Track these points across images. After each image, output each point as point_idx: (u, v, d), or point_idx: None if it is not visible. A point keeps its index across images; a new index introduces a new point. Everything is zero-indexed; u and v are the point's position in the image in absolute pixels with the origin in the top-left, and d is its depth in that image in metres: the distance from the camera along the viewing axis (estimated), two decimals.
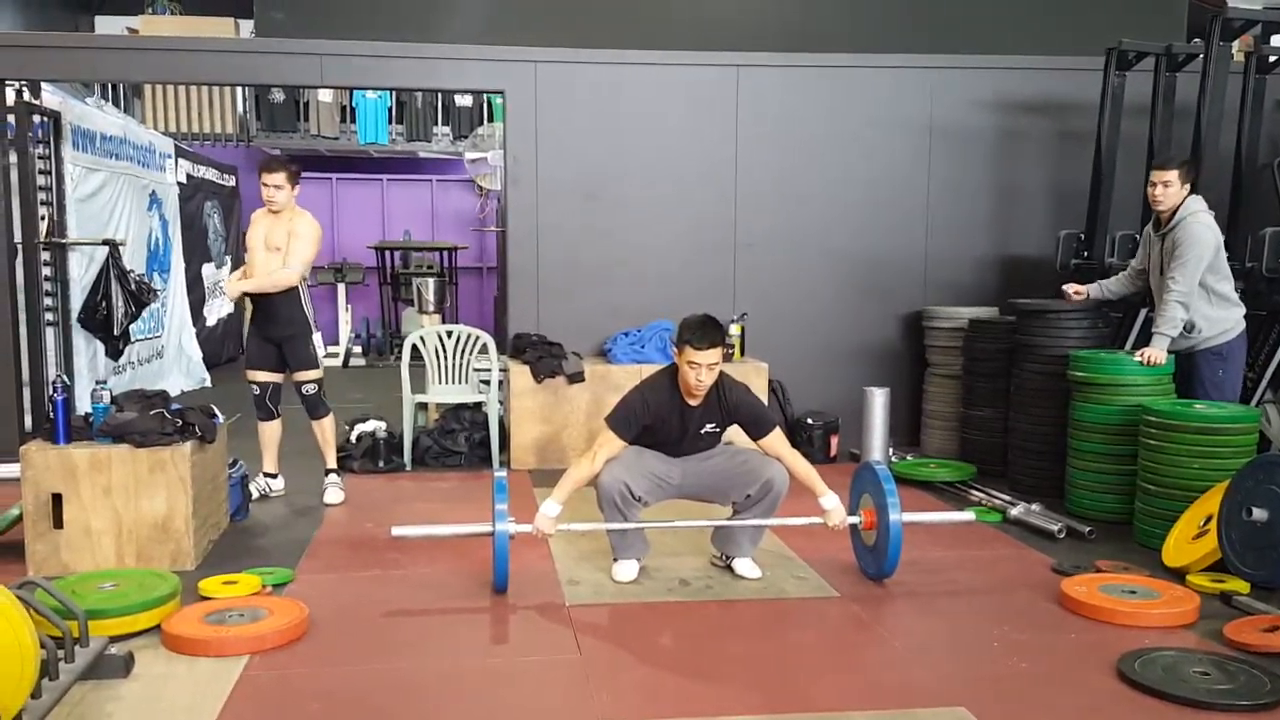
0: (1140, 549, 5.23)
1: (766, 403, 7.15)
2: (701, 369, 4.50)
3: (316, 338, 6.20)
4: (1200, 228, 5.56)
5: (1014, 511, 5.75)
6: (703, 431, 4.72)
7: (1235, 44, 6.96)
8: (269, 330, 6.07)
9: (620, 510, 4.63)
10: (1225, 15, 6.45)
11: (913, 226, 7.84)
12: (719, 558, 4.94)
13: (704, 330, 4.50)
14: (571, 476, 4.66)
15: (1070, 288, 6.19)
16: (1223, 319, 5.68)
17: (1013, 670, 3.76)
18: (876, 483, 4.68)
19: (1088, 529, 5.44)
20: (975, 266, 7.92)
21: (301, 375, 6.10)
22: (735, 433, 4.79)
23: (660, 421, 4.68)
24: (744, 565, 4.82)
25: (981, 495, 6.16)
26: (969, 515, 5.11)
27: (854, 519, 4.79)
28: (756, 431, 4.74)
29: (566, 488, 4.64)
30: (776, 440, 4.75)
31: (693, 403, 4.66)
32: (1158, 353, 5.53)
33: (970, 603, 4.53)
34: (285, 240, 5.99)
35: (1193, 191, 5.72)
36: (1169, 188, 5.63)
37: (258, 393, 6.13)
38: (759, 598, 4.54)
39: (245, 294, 6.13)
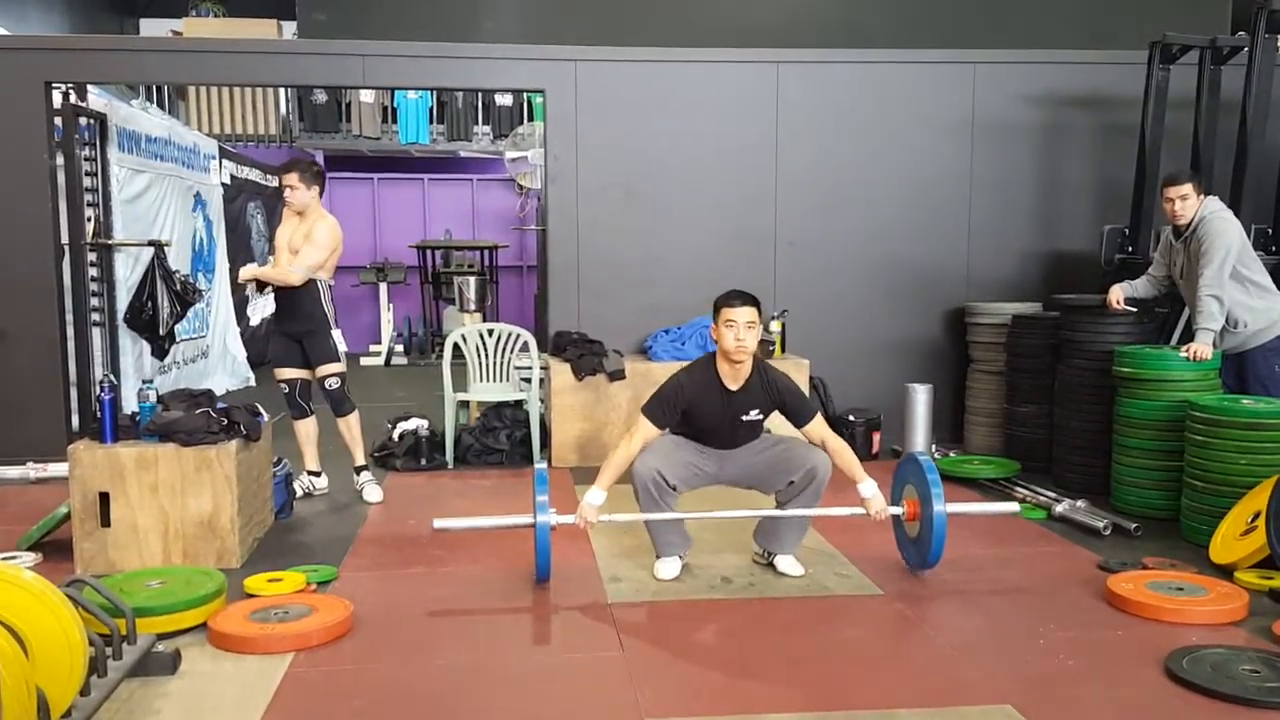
0: (1187, 545, 5.18)
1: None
2: (739, 326, 4.50)
3: (337, 334, 6.21)
4: (1220, 222, 5.60)
5: (1059, 508, 5.70)
6: (744, 419, 4.68)
7: None
8: (290, 326, 6.13)
9: (655, 498, 4.63)
10: (1270, 8, 6.37)
11: (955, 222, 7.79)
12: (761, 555, 4.93)
13: (734, 292, 4.58)
14: (611, 463, 4.65)
15: (1112, 296, 6.13)
16: (1267, 309, 5.64)
17: (1059, 668, 3.73)
18: (920, 473, 4.65)
19: (1134, 526, 5.38)
20: (1018, 262, 7.85)
21: (323, 369, 6.12)
22: (776, 421, 4.78)
23: (699, 406, 4.65)
24: (786, 563, 4.80)
25: (1026, 492, 6.11)
26: (1014, 506, 5.06)
27: (896, 510, 4.76)
28: (800, 418, 4.72)
29: (608, 475, 4.63)
30: (820, 426, 4.73)
31: (733, 386, 4.63)
32: (1203, 348, 5.48)
33: (1016, 600, 4.49)
34: (301, 243, 6.04)
35: (1208, 193, 5.79)
36: (1186, 200, 5.69)
37: (287, 390, 6.17)
38: (802, 595, 4.53)
39: (255, 280, 6.16)
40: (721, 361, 4.63)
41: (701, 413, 4.68)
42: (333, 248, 6.10)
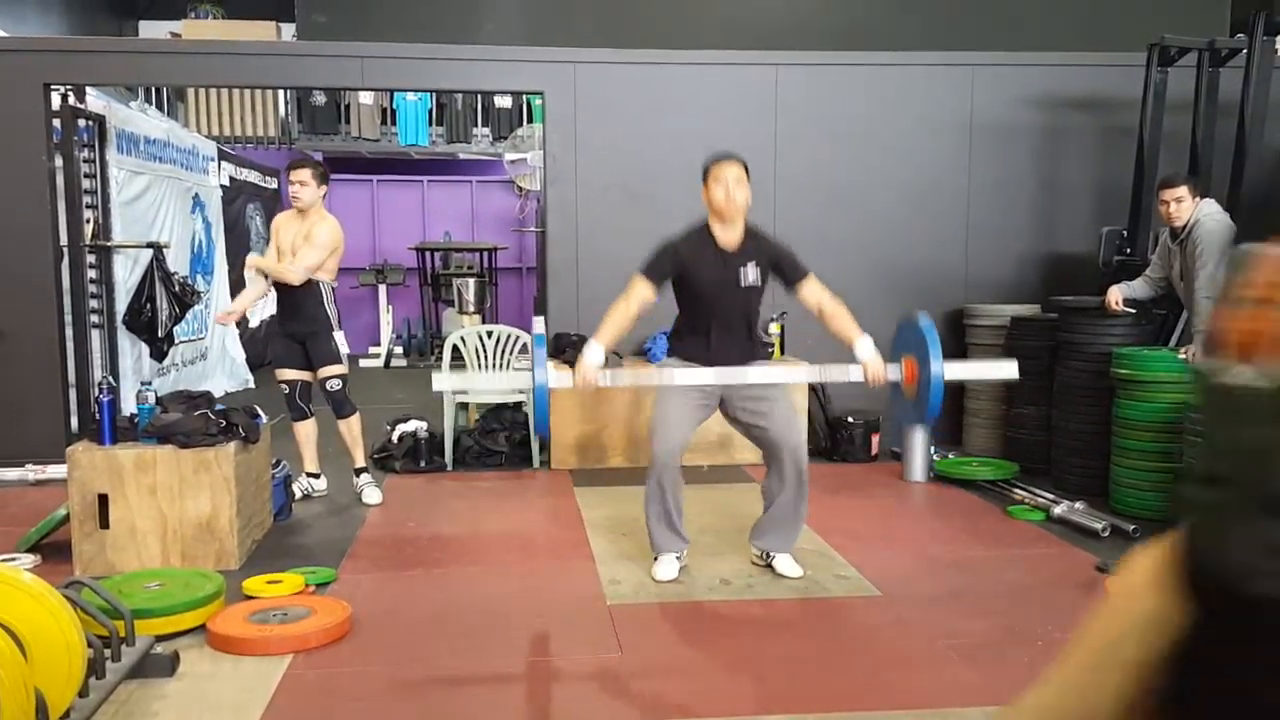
0: None
1: (806, 402, 7.17)
2: (728, 182, 4.53)
3: (339, 336, 6.21)
4: (1214, 224, 5.62)
5: (1057, 510, 5.70)
6: (743, 284, 4.63)
7: (1279, 39, 6.87)
8: (292, 327, 6.12)
9: (666, 481, 4.64)
10: (1268, 10, 6.38)
11: (954, 224, 7.80)
12: (759, 556, 4.94)
13: (724, 152, 4.63)
14: (609, 321, 4.58)
15: (1111, 297, 6.13)
16: None
17: None
18: (919, 337, 4.60)
19: (1132, 527, 5.39)
20: (1017, 264, 7.86)
21: (326, 370, 6.12)
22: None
23: (695, 270, 4.62)
24: (784, 563, 4.81)
25: (1024, 494, 6.12)
26: (1012, 369, 4.97)
27: (894, 376, 4.73)
28: (795, 273, 4.72)
29: (607, 332, 4.56)
30: (814, 285, 4.74)
31: (727, 246, 4.61)
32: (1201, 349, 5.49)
33: (1014, 602, 4.49)
34: (301, 243, 6.02)
35: (1206, 195, 5.81)
36: (1180, 203, 5.71)
37: (288, 391, 6.16)
38: (801, 597, 4.53)
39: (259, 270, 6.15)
40: (713, 221, 4.64)
41: (698, 277, 4.62)
42: (332, 248, 6.09)
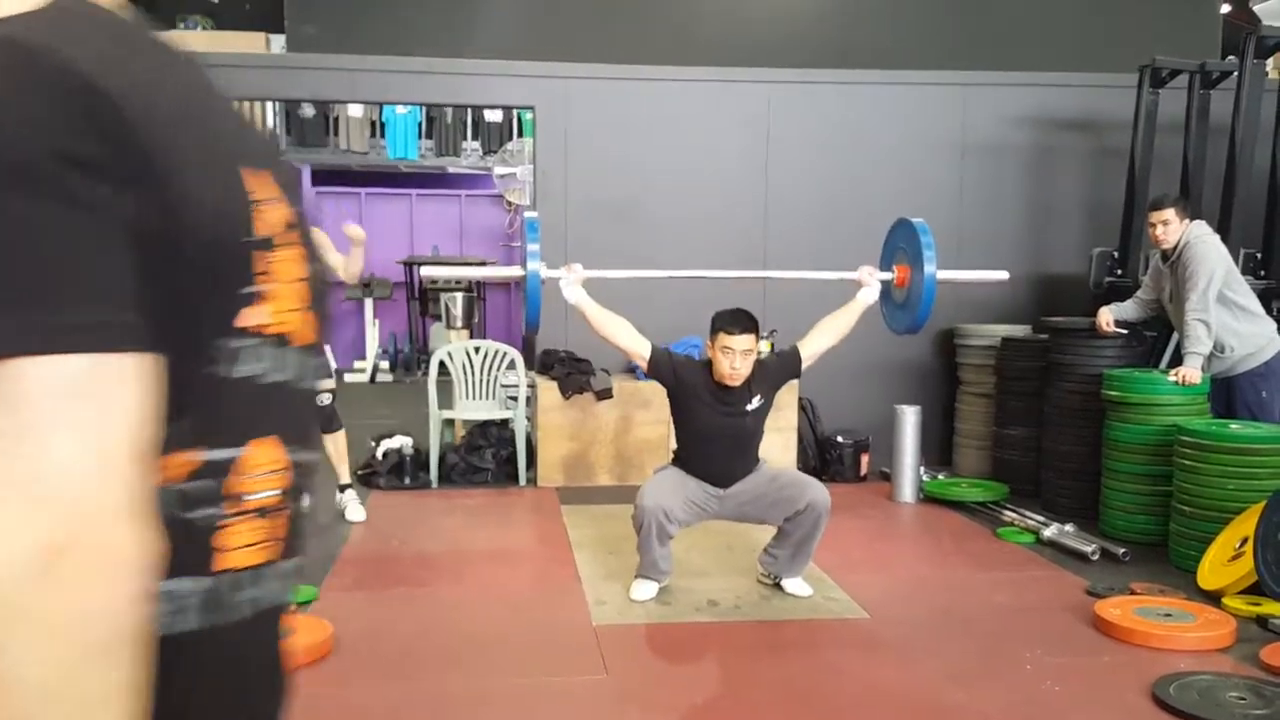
0: (1175, 571, 5.15)
1: (796, 420, 7.14)
2: (735, 355, 4.50)
3: (327, 349, 6.17)
4: (1205, 247, 5.61)
5: (1047, 532, 5.67)
6: (749, 410, 4.64)
7: (1270, 61, 6.90)
8: None
9: (655, 537, 4.58)
10: (1259, 33, 6.40)
11: (945, 243, 7.68)
12: (766, 577, 4.90)
13: (736, 316, 4.54)
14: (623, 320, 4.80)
15: (1101, 318, 6.12)
16: (1255, 334, 5.65)
17: (1046, 693, 3.70)
18: (912, 235, 4.59)
19: (1122, 550, 5.36)
20: (1007, 284, 7.81)
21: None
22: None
23: (689, 386, 4.65)
24: (794, 584, 4.78)
25: (1014, 515, 6.09)
26: (1003, 275, 4.92)
27: (886, 275, 4.70)
28: (794, 363, 4.77)
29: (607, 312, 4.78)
30: (808, 337, 4.82)
31: (728, 384, 4.61)
32: (1192, 372, 5.48)
33: (1003, 624, 4.46)
34: None
35: (1197, 217, 5.82)
36: (1168, 225, 5.71)
37: None
38: (789, 618, 4.50)
39: None
40: (715, 374, 4.63)
41: (696, 413, 4.65)
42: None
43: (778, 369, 4.77)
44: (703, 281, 7.55)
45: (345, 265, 6.06)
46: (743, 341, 4.50)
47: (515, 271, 4.49)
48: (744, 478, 4.75)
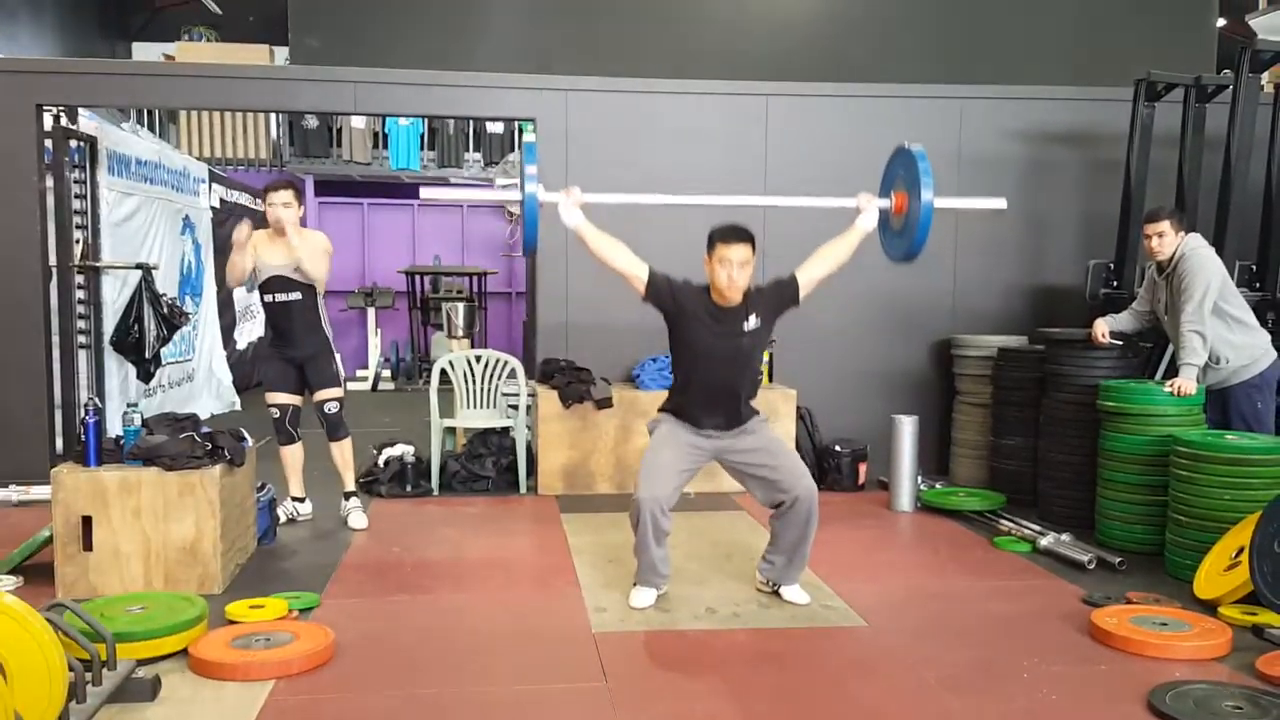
0: (1171, 580, 5.18)
1: (794, 430, 7.16)
2: (732, 265, 4.52)
3: (338, 358, 6.21)
4: (1200, 259, 5.64)
5: (1044, 542, 5.70)
6: (745, 331, 4.67)
7: (1265, 75, 6.94)
8: (290, 351, 6.08)
9: (651, 535, 4.61)
10: (1255, 47, 6.45)
11: (941, 255, 7.81)
12: (764, 584, 4.93)
13: (732, 228, 4.57)
14: (623, 245, 4.80)
15: (1097, 330, 6.15)
16: (1250, 345, 5.68)
17: (1043, 702, 3.73)
18: (910, 161, 4.63)
19: (1118, 560, 5.39)
20: (1004, 295, 7.89)
21: (325, 394, 6.10)
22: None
23: (687, 308, 4.67)
24: (792, 592, 4.81)
25: (1011, 525, 6.12)
26: (1000, 202, 4.92)
27: (884, 203, 4.72)
28: (791, 289, 4.79)
29: (607, 237, 4.78)
30: (804, 265, 4.87)
31: (727, 304, 4.65)
32: (1187, 383, 5.51)
33: (1000, 633, 4.49)
34: (297, 260, 5.97)
35: (1192, 229, 5.86)
36: (1163, 237, 5.74)
37: (277, 415, 6.10)
38: (786, 626, 4.52)
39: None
40: (713, 291, 4.67)
41: (692, 332, 4.68)
42: (329, 253, 6.13)
43: (775, 295, 4.76)
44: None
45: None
46: (739, 252, 4.53)
47: (514, 195, 4.51)
48: (743, 422, 4.76)
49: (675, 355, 4.83)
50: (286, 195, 5.94)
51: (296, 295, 6.00)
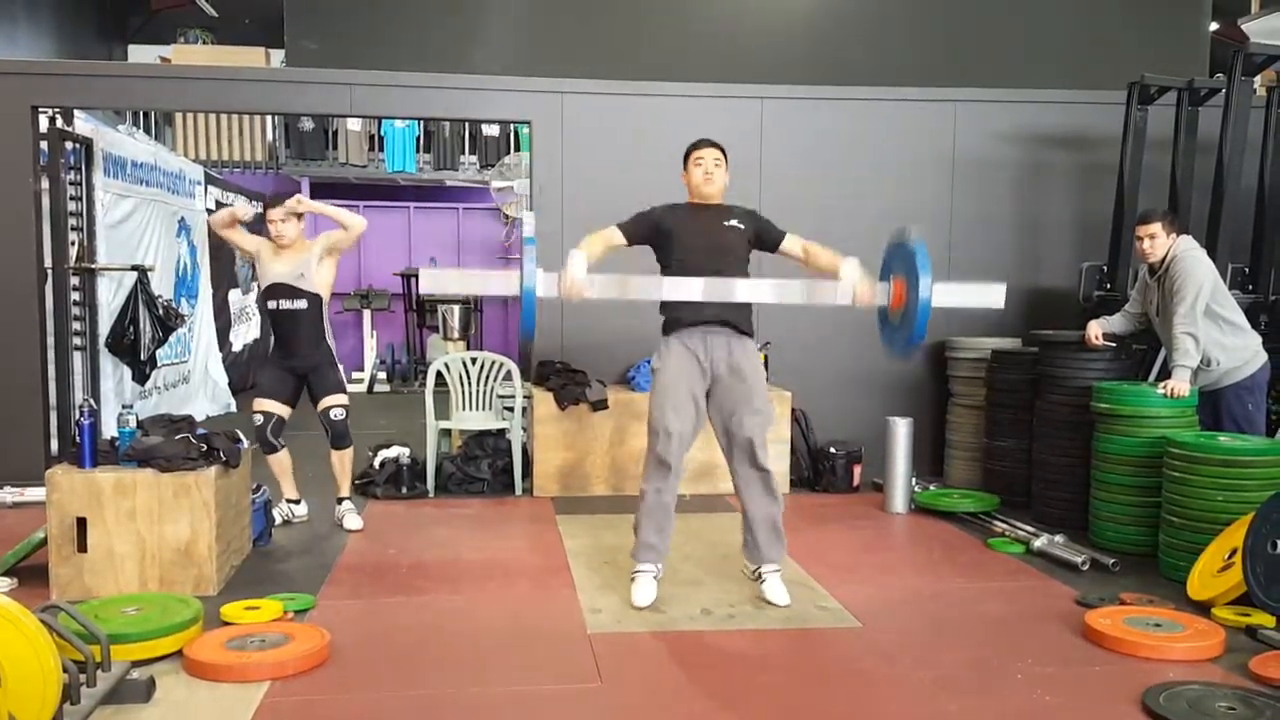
0: (1165, 581, 5.20)
1: (789, 432, 7.18)
2: (707, 161, 4.79)
3: (340, 366, 6.23)
4: (1192, 261, 5.66)
5: (1037, 543, 5.72)
6: (726, 224, 4.82)
7: (1257, 79, 6.97)
8: (294, 363, 6.06)
9: (656, 519, 4.75)
10: (1247, 50, 6.47)
11: (936, 257, 7.72)
12: (750, 572, 4.95)
13: (703, 139, 4.87)
14: (590, 240, 4.76)
15: (1091, 332, 6.16)
16: (1241, 347, 5.70)
17: (1037, 703, 3.74)
18: (908, 257, 4.59)
19: (1112, 561, 5.41)
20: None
21: (331, 400, 6.10)
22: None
23: (674, 223, 4.82)
24: (774, 589, 4.81)
25: (1005, 526, 6.13)
26: (999, 295, 4.95)
27: (881, 300, 4.73)
28: (775, 232, 4.95)
29: (588, 247, 4.70)
30: (793, 237, 4.97)
31: (705, 203, 4.85)
32: (1180, 384, 5.52)
33: (994, 634, 4.50)
34: (303, 267, 6.00)
35: (1185, 232, 5.88)
36: (1155, 240, 5.76)
37: (260, 423, 6.02)
38: (782, 628, 4.53)
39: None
40: (691, 199, 4.89)
41: (679, 232, 4.80)
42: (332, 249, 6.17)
43: (759, 223, 4.96)
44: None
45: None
46: (711, 153, 4.83)
47: (513, 289, 4.43)
48: (738, 330, 4.85)
49: (666, 265, 4.91)
50: (283, 211, 5.99)
51: (302, 304, 6.01)
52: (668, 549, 4.89)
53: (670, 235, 4.82)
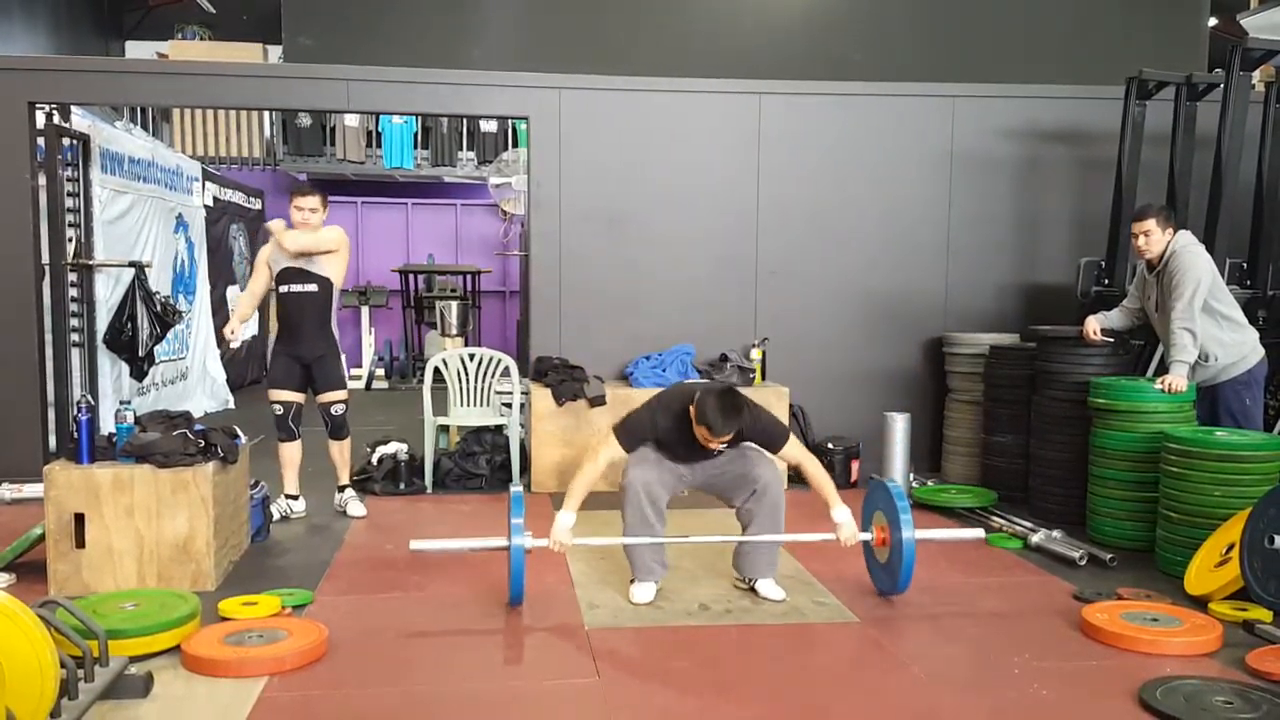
0: (1162, 576, 5.20)
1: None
2: (714, 444, 4.59)
3: (343, 359, 6.26)
4: (1190, 256, 5.65)
5: (1035, 538, 5.72)
6: (717, 450, 4.73)
7: (1256, 73, 6.96)
8: (299, 350, 6.12)
9: (645, 514, 4.68)
10: (1245, 45, 6.46)
11: (934, 253, 7.84)
12: (741, 581, 4.94)
13: (725, 418, 4.46)
14: (579, 482, 4.65)
15: (1089, 327, 6.16)
16: (1238, 342, 5.70)
17: (1034, 698, 3.74)
18: (889, 499, 4.69)
19: (1109, 556, 5.41)
20: (996, 293, 7.91)
21: (332, 395, 6.15)
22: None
23: (668, 445, 4.76)
24: (767, 587, 4.82)
25: (1002, 521, 6.13)
26: (979, 532, 5.08)
27: (866, 536, 4.80)
28: (772, 448, 4.81)
29: (577, 493, 4.64)
30: (793, 449, 4.81)
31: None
32: (1178, 380, 5.52)
33: (991, 629, 4.50)
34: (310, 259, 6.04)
35: (1183, 227, 5.86)
36: (1150, 236, 5.76)
37: (280, 413, 6.15)
38: (779, 622, 4.54)
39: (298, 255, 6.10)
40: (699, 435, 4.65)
41: (670, 449, 4.78)
42: (339, 245, 6.20)
43: (755, 433, 4.76)
44: (691, 288, 7.62)
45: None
46: (725, 440, 4.56)
47: (499, 543, 4.53)
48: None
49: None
50: (314, 200, 6.10)
51: (312, 287, 6.09)
52: (666, 568, 4.90)
53: (662, 447, 4.79)
